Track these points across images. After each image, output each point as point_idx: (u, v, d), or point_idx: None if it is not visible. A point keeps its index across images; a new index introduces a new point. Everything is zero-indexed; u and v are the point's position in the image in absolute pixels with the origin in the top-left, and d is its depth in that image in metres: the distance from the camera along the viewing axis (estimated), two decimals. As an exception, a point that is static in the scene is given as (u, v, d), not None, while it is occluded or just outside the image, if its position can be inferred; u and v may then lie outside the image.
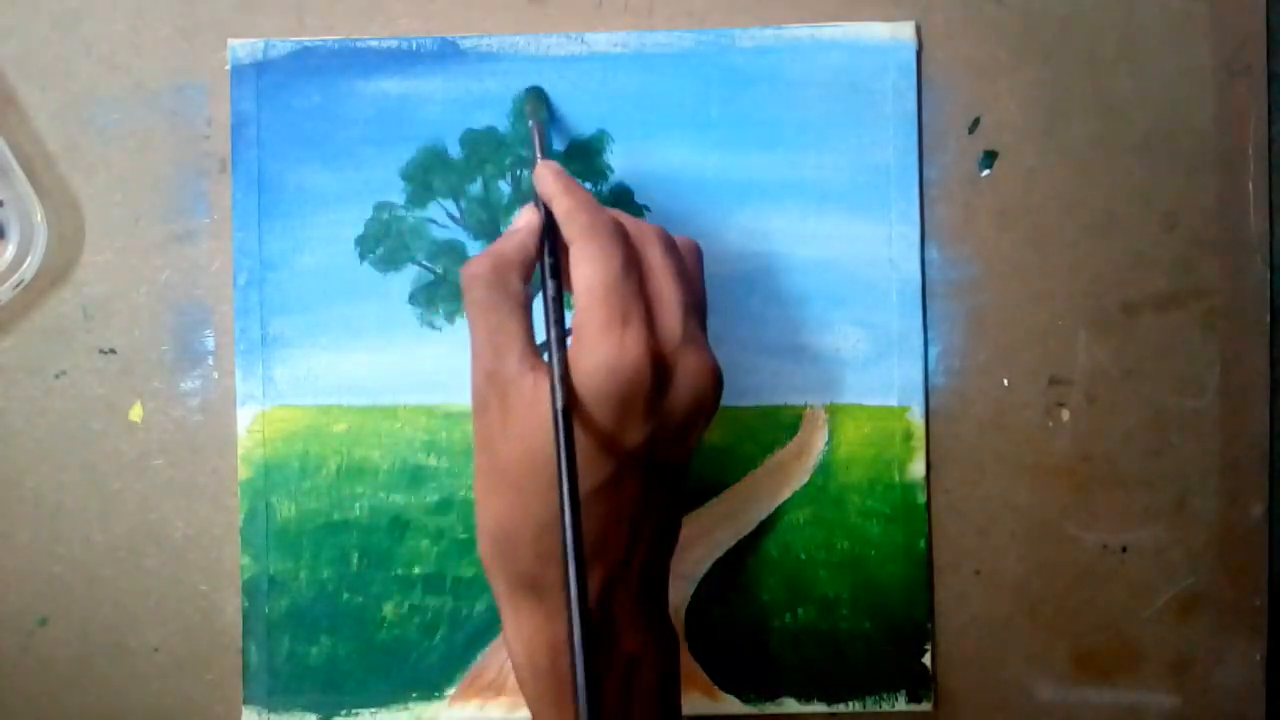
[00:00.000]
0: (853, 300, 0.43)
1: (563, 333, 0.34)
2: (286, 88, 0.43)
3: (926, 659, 0.43)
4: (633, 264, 0.34)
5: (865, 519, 0.43)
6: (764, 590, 0.43)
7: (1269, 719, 0.44)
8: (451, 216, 0.44)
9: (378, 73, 0.43)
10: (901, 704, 0.43)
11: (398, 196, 0.43)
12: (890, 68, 0.43)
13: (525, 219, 0.37)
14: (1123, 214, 0.44)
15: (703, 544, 0.43)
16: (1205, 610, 0.44)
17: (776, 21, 0.44)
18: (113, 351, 0.44)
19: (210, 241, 0.44)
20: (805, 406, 0.44)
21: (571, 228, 0.34)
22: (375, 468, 0.43)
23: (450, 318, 0.43)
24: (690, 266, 0.37)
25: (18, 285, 0.43)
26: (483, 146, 0.43)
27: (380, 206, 0.44)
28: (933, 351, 0.44)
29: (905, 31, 0.43)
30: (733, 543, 0.43)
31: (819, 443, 0.43)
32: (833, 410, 0.43)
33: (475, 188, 0.44)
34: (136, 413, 0.44)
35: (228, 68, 0.43)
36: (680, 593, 0.43)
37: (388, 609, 0.43)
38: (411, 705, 0.43)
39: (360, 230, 0.44)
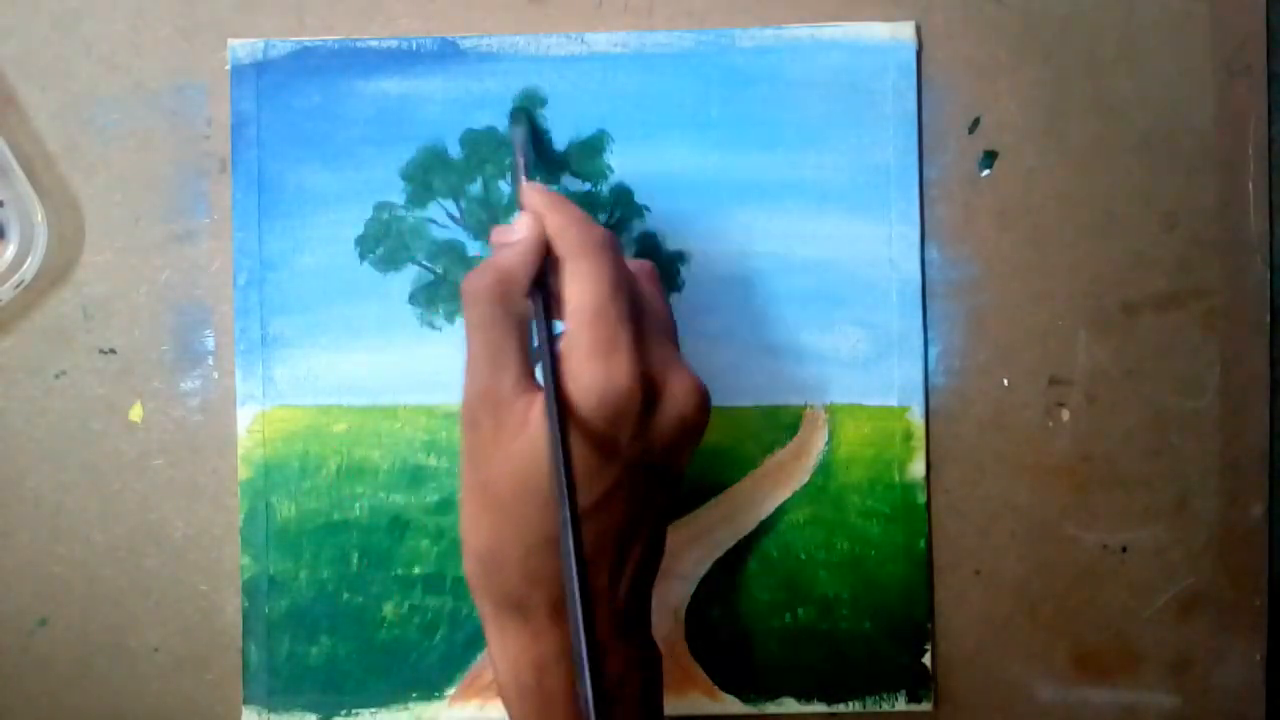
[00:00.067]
0: (853, 300, 0.43)
1: (554, 347, 0.33)
2: (286, 88, 0.43)
3: (926, 659, 0.43)
4: (623, 282, 0.34)
5: (865, 519, 0.43)
6: (764, 590, 0.43)
7: (1269, 719, 0.44)
8: (451, 216, 0.44)
9: (378, 73, 0.43)
10: (901, 704, 0.43)
11: (398, 196, 0.44)
12: (890, 68, 0.43)
13: (525, 230, 0.35)
14: (1123, 214, 0.44)
15: (702, 544, 0.43)
16: (1205, 610, 0.44)
17: (776, 21, 0.44)
18: (113, 351, 0.44)
19: (210, 241, 0.44)
20: (805, 406, 0.44)
21: (562, 244, 0.34)
22: (375, 468, 0.43)
23: (450, 317, 0.43)
24: (655, 289, 0.37)
25: (18, 285, 0.43)
26: (483, 146, 0.43)
27: (380, 206, 0.44)
28: (933, 351, 0.44)
29: (905, 31, 0.43)
30: (732, 543, 0.43)
31: (819, 443, 0.43)
32: (833, 410, 0.43)
33: (475, 188, 0.44)
34: (136, 413, 0.44)
35: (228, 68, 0.43)
36: (680, 593, 0.43)
37: (388, 609, 0.43)
38: (411, 705, 0.43)
39: (360, 230, 0.44)
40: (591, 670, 0.28)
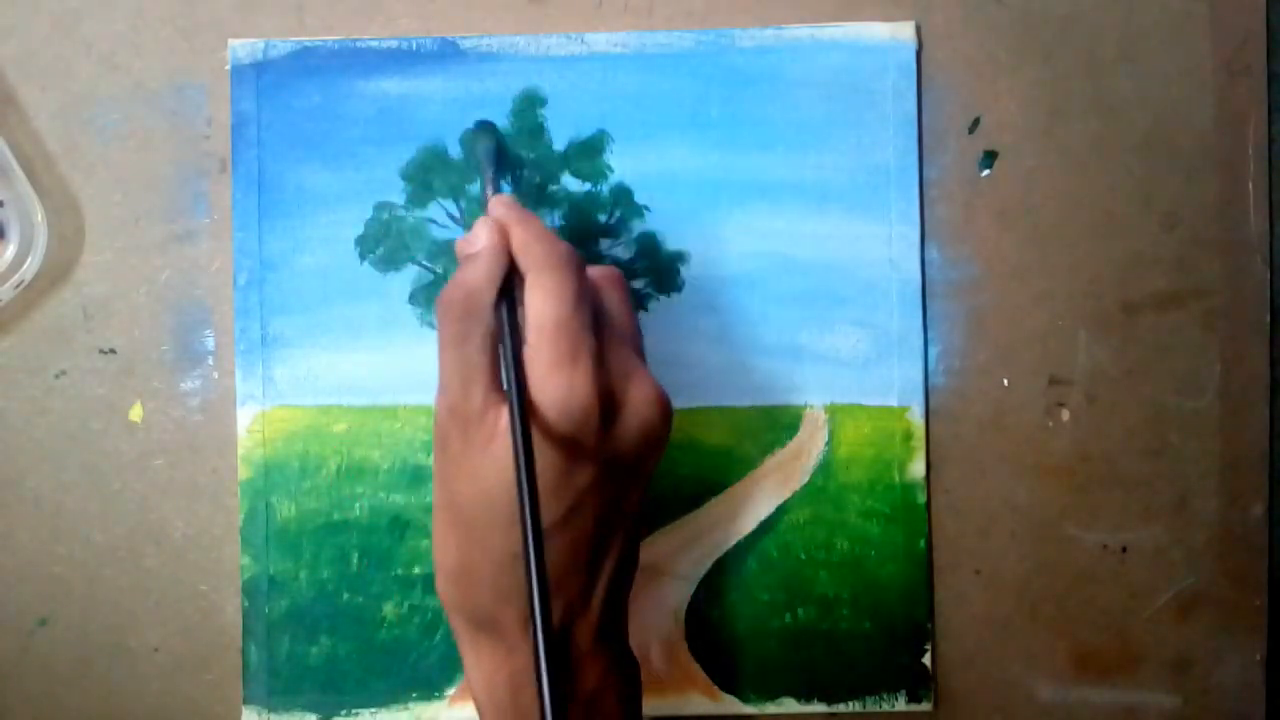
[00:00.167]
0: (853, 300, 0.43)
1: (520, 355, 0.33)
2: (286, 88, 0.43)
3: (926, 659, 0.43)
4: (585, 296, 0.34)
5: (865, 519, 0.43)
6: (763, 590, 0.43)
7: (1269, 719, 0.44)
8: (451, 216, 0.44)
9: (378, 73, 0.43)
10: (901, 704, 0.43)
11: (398, 196, 0.44)
12: (890, 68, 0.43)
13: (485, 238, 0.35)
14: (1123, 214, 0.44)
15: (702, 544, 0.43)
16: (1205, 610, 0.44)
17: (776, 21, 0.44)
18: (113, 351, 0.44)
19: (210, 241, 0.44)
20: (805, 406, 0.44)
21: (526, 259, 0.34)
22: (375, 468, 0.43)
23: (450, 318, 0.43)
24: (620, 296, 0.37)
25: (18, 285, 0.43)
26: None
27: (380, 206, 0.44)
28: (933, 351, 0.44)
29: (905, 31, 0.43)
30: (732, 543, 0.43)
31: (819, 443, 0.43)
32: (832, 410, 0.43)
33: (475, 188, 0.44)
34: (136, 413, 0.44)
35: (228, 68, 0.43)
36: (680, 593, 0.43)
37: (388, 609, 0.43)
38: (411, 705, 0.43)
39: (360, 230, 0.44)
40: (553, 687, 0.28)
